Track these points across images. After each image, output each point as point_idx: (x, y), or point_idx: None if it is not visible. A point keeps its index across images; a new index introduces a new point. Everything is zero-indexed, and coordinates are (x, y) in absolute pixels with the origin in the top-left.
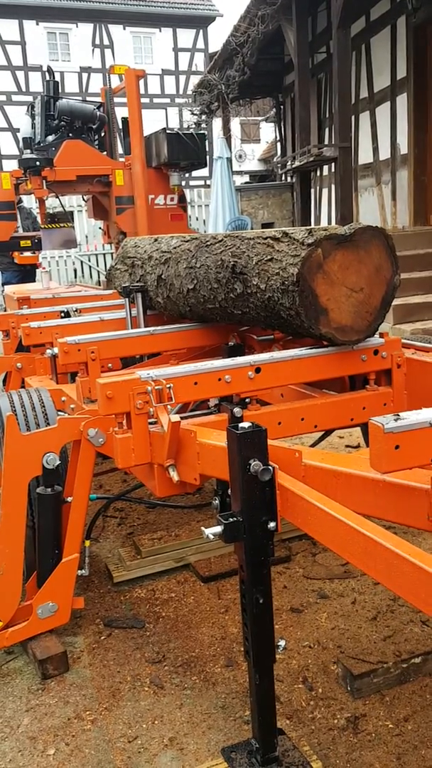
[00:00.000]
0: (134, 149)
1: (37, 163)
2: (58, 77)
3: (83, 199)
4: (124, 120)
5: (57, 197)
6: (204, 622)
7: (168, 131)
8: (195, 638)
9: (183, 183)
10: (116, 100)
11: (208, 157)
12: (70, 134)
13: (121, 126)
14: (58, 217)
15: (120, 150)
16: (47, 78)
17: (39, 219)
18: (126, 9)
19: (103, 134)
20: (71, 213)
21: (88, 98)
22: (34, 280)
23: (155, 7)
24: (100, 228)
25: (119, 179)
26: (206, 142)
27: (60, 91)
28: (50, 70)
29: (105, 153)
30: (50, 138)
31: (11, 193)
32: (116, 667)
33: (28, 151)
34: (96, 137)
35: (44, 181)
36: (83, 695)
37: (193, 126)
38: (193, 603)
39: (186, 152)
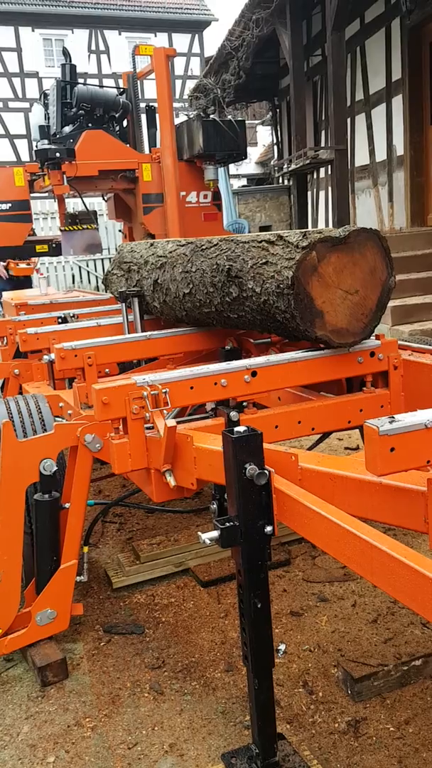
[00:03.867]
0: (164, 139)
1: (57, 154)
2: (52, 83)
3: (103, 199)
4: (149, 108)
5: (79, 195)
6: (204, 626)
7: (203, 118)
8: (195, 643)
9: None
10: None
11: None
12: (90, 124)
13: (145, 115)
14: (80, 217)
15: (145, 142)
16: (63, 61)
17: (58, 221)
18: (121, 14)
19: (125, 124)
20: (94, 213)
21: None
22: (30, 287)
23: (150, 12)
24: (120, 231)
25: (146, 174)
26: (246, 130)
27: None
28: (66, 52)
29: (129, 145)
30: (67, 129)
31: (25, 191)
32: (116, 673)
33: (45, 141)
34: (118, 127)
35: (64, 176)
36: (83, 702)
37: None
38: (192, 608)
39: (224, 142)
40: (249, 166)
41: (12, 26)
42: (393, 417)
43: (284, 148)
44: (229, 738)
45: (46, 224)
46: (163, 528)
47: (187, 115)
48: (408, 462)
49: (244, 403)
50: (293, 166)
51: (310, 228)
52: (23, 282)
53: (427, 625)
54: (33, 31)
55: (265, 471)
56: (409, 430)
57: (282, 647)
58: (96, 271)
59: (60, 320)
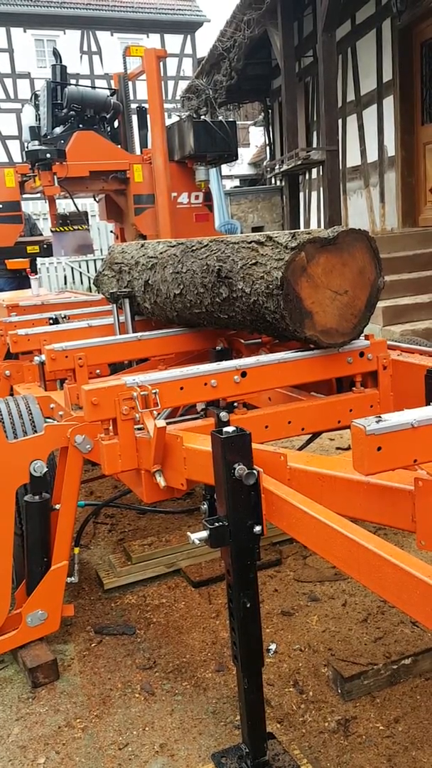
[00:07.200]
0: (155, 140)
1: (48, 155)
2: (43, 84)
3: (95, 199)
4: (140, 109)
5: (69, 196)
6: (195, 627)
7: (194, 119)
8: (186, 643)
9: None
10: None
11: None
12: (81, 125)
13: (136, 116)
14: (71, 218)
15: (136, 143)
16: (54, 62)
17: (49, 222)
18: (113, 15)
19: (116, 125)
20: (85, 214)
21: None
22: (30, 286)
23: (142, 13)
24: (111, 231)
25: (138, 175)
26: (237, 131)
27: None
28: (56, 53)
29: (120, 146)
30: (58, 130)
31: (16, 192)
32: (107, 674)
33: (36, 142)
34: (109, 128)
35: (55, 177)
36: (74, 703)
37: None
38: (183, 608)
39: (215, 143)
40: (242, 167)
41: (4, 27)
42: (380, 417)
43: (276, 149)
44: (219, 738)
45: (38, 225)
46: (155, 529)
47: (179, 116)
48: (395, 461)
49: (235, 404)
50: (285, 167)
51: (302, 229)
52: (26, 277)
53: (417, 623)
54: (25, 31)
55: (254, 471)
56: (395, 429)
57: (273, 647)
58: (89, 271)
59: (51, 321)
